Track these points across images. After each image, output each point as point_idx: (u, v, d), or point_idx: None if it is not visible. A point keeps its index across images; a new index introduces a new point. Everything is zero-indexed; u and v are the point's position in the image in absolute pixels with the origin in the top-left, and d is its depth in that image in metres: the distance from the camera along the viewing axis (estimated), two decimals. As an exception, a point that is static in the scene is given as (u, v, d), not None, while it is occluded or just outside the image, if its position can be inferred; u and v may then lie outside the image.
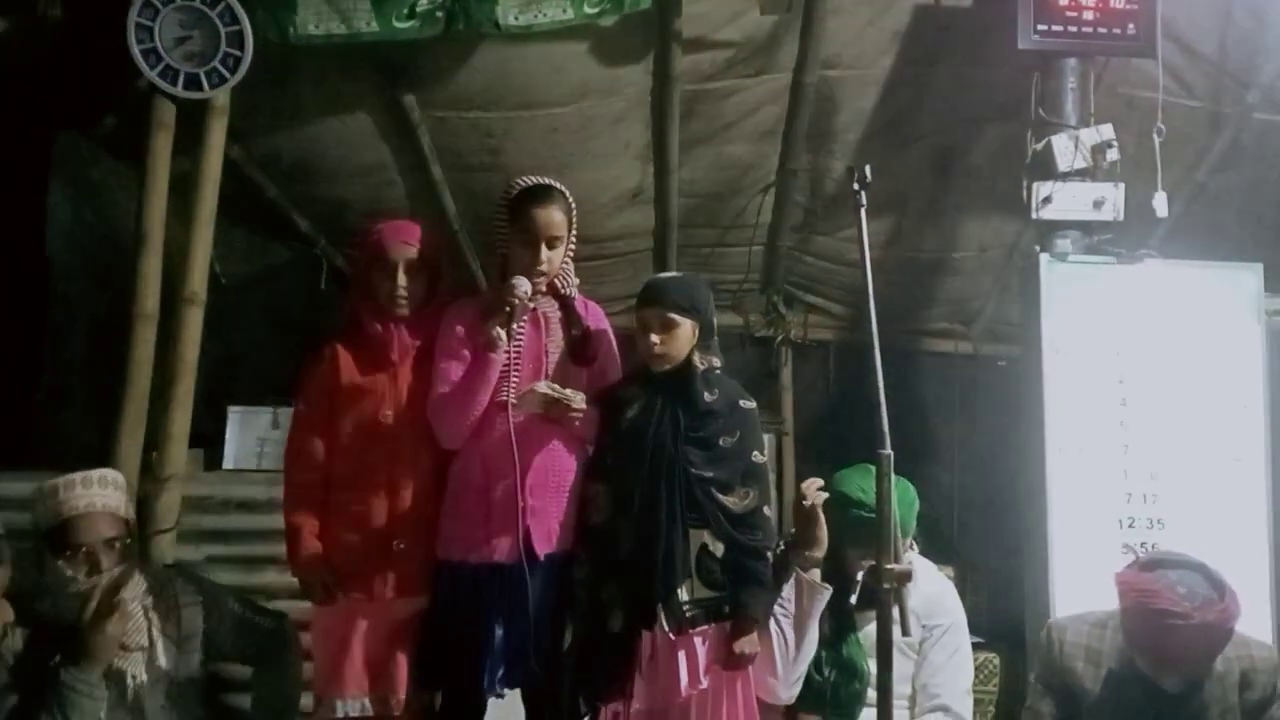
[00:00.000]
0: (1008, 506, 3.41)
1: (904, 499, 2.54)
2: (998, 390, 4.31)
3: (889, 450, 1.99)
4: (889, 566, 1.92)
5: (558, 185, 2.53)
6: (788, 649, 2.46)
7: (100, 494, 2.29)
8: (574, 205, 2.54)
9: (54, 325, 3.32)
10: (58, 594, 2.23)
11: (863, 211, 2.18)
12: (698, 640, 2.39)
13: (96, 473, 2.32)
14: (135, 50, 3.00)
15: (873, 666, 2.39)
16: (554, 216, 2.47)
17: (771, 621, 2.46)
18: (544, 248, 2.46)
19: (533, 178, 2.55)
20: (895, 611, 2.02)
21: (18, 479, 2.92)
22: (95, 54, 3.16)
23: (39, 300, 3.31)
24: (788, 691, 2.50)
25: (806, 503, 2.44)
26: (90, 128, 3.42)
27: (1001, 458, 3.74)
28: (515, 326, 2.41)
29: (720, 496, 2.41)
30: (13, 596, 2.29)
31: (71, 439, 3.33)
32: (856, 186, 2.18)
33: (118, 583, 2.25)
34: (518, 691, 2.49)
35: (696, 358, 2.47)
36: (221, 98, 3.10)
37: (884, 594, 1.92)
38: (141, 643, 2.29)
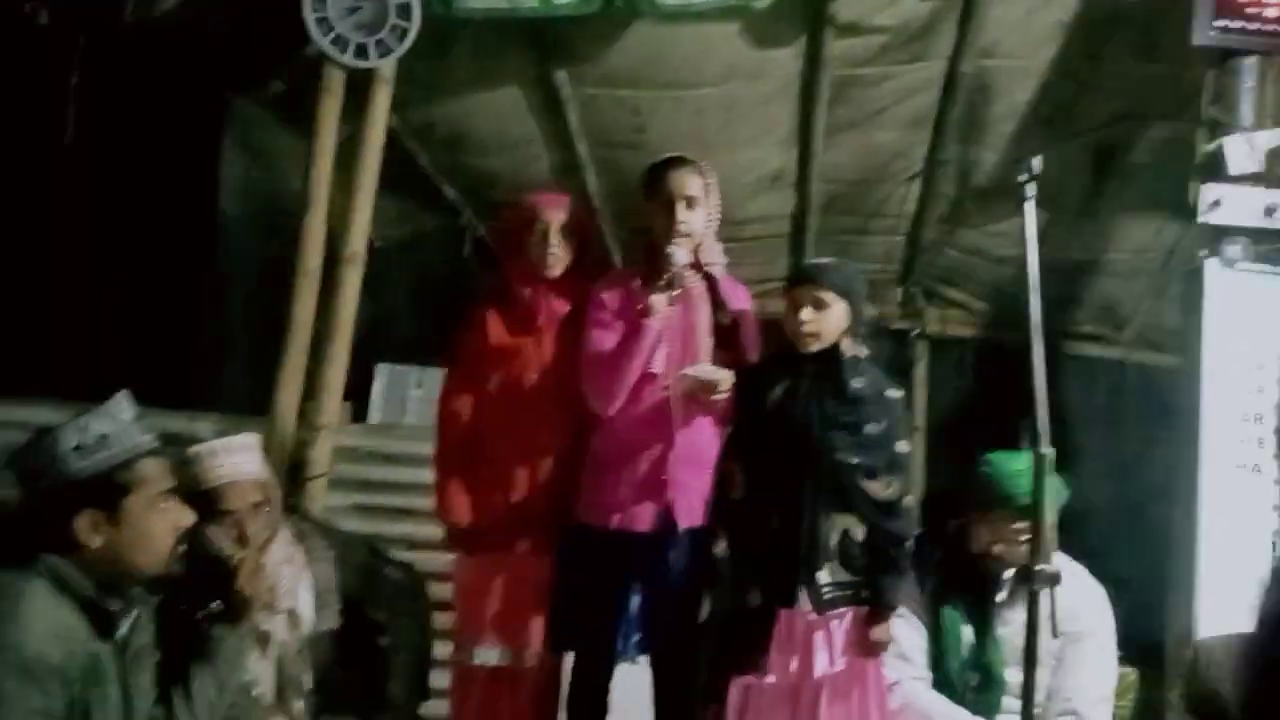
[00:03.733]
0: (1153, 518, 3.28)
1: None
2: (1147, 398, 4.14)
3: (1048, 450, 1.94)
4: (1040, 568, 1.87)
5: (691, 158, 2.57)
6: None
7: (243, 460, 2.30)
8: (711, 176, 2.57)
9: (221, 276, 3.48)
10: (203, 556, 2.21)
11: (1029, 205, 2.13)
12: (834, 623, 2.40)
13: (237, 439, 2.33)
14: (310, 18, 3.11)
15: (1010, 675, 2.34)
16: (686, 177, 2.52)
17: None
18: (680, 207, 2.50)
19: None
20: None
21: (177, 417, 3.10)
22: (267, 21, 3.29)
23: (208, 252, 3.48)
24: None
25: None
26: (261, 92, 3.57)
27: (1148, 468, 3.60)
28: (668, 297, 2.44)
29: (865, 483, 2.41)
30: None
31: (231, 386, 3.49)
32: (1024, 178, 2.13)
33: (266, 548, 2.27)
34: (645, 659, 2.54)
35: (845, 343, 2.46)
36: (387, 68, 3.20)
37: (1034, 595, 1.88)
38: (289, 604, 2.34)
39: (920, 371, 4.64)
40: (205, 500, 2.24)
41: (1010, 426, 3.66)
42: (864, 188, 4.21)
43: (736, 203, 4.06)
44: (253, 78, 3.58)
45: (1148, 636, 3.21)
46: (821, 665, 2.38)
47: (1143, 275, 4.26)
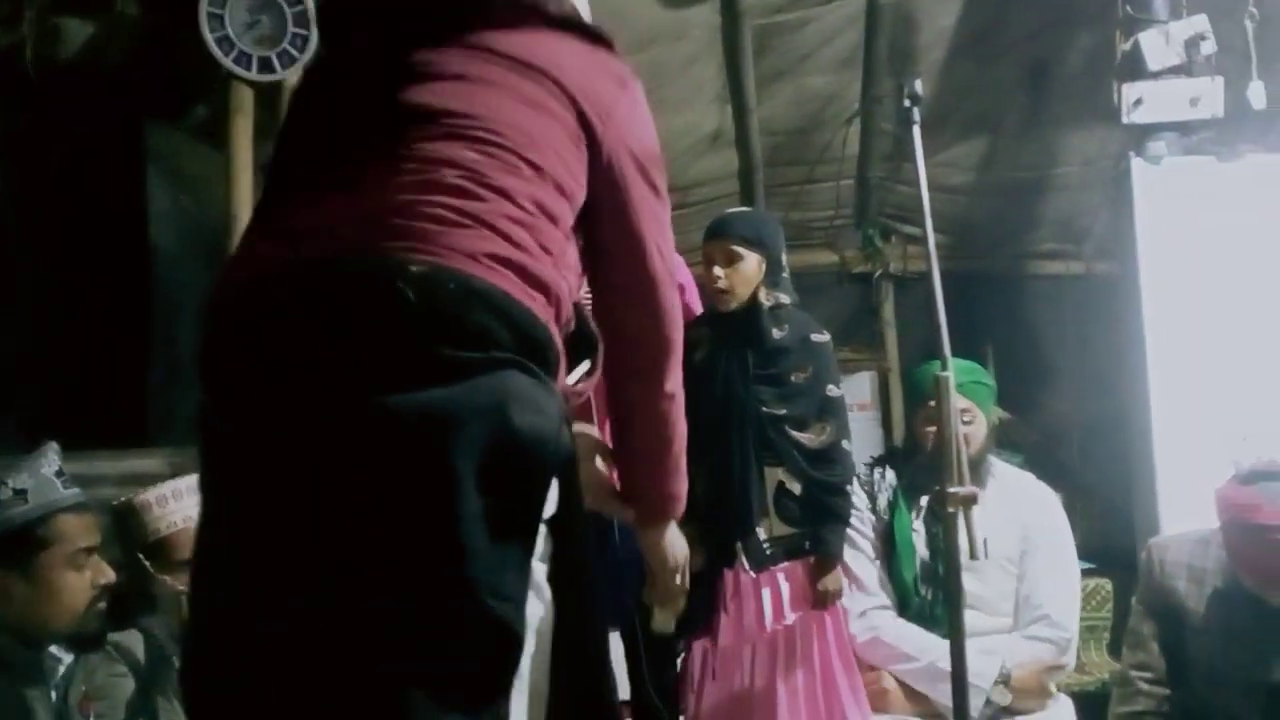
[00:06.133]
0: (1126, 431, 3.25)
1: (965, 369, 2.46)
2: (1111, 310, 4.09)
3: (948, 372, 1.92)
4: (953, 490, 1.85)
5: None
6: None
7: (193, 505, 2.08)
8: None
9: (162, 308, 3.49)
10: (166, 606, 2.13)
11: (916, 128, 2.10)
12: (780, 576, 2.38)
13: (184, 483, 2.16)
14: (209, 39, 3.10)
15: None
16: None
17: None
18: None
19: None
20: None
21: (142, 455, 3.09)
22: (177, 46, 3.29)
23: (143, 285, 3.48)
24: None
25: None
26: (181, 118, 3.57)
27: (1116, 380, 3.56)
28: None
29: (795, 434, 2.36)
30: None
31: (186, 418, 3.48)
32: (908, 102, 2.10)
33: None
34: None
35: (762, 294, 2.42)
36: (294, 78, 3.19)
37: (949, 518, 1.86)
38: None
39: (887, 312, 4.60)
40: (160, 550, 2.12)
41: (979, 357, 3.65)
42: (805, 135, 4.17)
43: (678, 168, 4.03)
44: (169, 105, 3.58)
45: (1122, 547, 3.19)
46: (770, 620, 2.35)
47: (1095, 186, 4.20)
